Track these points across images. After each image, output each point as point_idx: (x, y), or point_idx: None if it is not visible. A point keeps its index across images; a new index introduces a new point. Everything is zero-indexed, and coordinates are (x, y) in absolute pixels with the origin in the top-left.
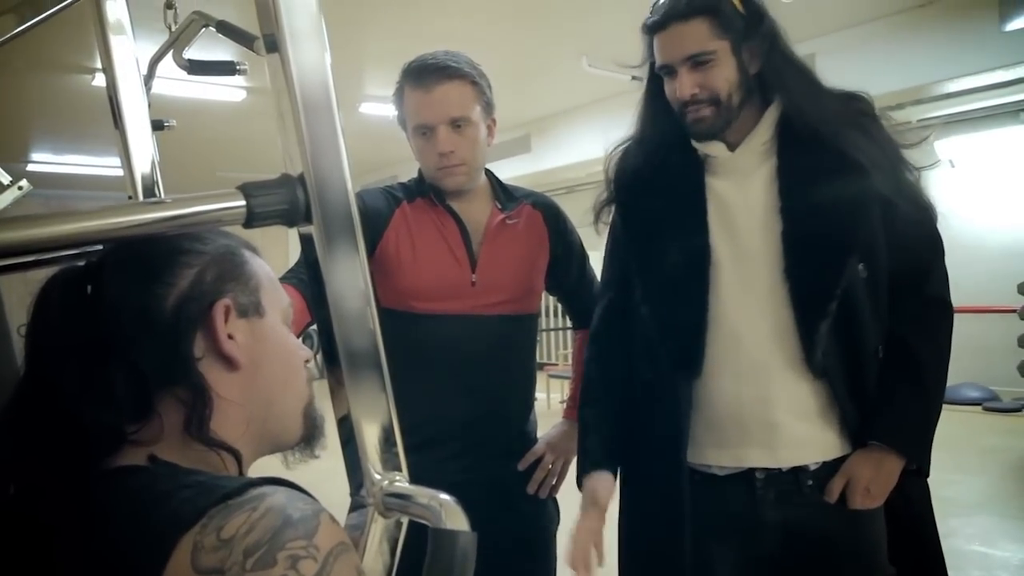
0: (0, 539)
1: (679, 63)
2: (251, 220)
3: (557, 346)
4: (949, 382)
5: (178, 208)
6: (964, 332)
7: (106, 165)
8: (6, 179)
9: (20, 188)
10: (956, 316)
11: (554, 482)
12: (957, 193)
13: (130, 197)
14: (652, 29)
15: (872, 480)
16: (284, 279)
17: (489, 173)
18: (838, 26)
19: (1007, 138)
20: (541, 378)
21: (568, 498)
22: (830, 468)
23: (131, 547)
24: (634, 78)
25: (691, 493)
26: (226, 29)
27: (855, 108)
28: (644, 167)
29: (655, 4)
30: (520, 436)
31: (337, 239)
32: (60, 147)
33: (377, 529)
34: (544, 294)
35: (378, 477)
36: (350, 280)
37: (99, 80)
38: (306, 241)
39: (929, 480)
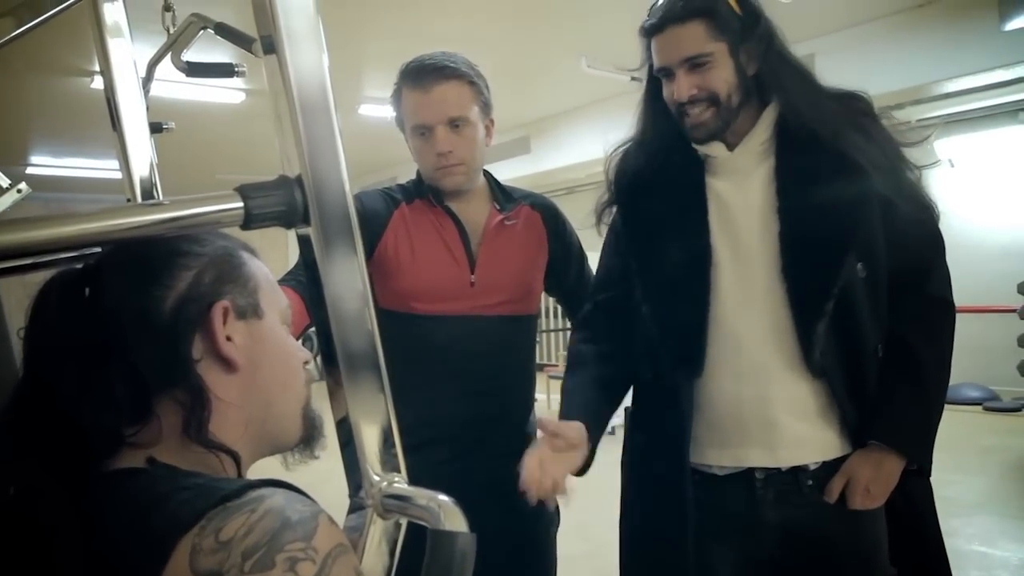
0: (0, 540)
1: (677, 65)
2: (249, 222)
3: (557, 346)
4: (949, 382)
5: (176, 210)
6: (964, 332)
7: (105, 168)
8: (5, 182)
9: (19, 191)
10: (956, 316)
11: None
12: (957, 193)
13: (129, 200)
14: (649, 32)
15: (872, 480)
16: (283, 281)
17: (487, 174)
18: (838, 26)
19: (1007, 138)
20: (541, 378)
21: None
22: (830, 468)
23: (130, 549)
24: (633, 79)
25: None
26: (224, 31)
27: (854, 108)
28: (644, 168)
29: (652, 7)
30: (520, 437)
31: (335, 240)
32: (59, 150)
33: (376, 530)
34: (544, 295)
35: (377, 478)
36: (348, 281)
37: (98, 83)
38: (304, 242)
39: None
